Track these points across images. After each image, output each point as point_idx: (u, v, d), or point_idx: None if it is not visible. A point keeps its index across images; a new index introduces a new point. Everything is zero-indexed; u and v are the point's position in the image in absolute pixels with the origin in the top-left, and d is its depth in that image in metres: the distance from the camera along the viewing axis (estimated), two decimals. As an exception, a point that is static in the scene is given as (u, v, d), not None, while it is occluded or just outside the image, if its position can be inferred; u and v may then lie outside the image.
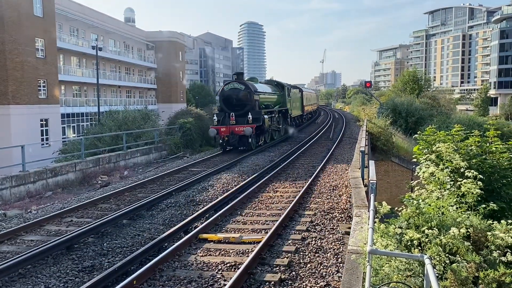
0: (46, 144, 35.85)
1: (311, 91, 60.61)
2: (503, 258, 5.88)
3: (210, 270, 7.79)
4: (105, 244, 9.49)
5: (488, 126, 10.86)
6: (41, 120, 37.13)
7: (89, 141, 23.05)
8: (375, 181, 8.67)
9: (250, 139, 22.66)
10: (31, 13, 35.67)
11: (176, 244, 8.79)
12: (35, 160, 18.99)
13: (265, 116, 24.13)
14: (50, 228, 10.79)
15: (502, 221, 6.73)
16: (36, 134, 35.75)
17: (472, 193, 7.66)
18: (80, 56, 50.88)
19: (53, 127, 38.71)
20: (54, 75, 39.16)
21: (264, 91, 26.70)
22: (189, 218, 10.83)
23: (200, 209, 12.04)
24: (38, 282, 7.56)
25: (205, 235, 9.64)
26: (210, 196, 13.74)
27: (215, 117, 23.40)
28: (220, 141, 22.88)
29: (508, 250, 6.08)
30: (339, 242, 9.02)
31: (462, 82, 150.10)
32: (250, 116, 22.52)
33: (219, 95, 24.93)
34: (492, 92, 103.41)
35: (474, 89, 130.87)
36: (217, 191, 14.48)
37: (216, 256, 8.52)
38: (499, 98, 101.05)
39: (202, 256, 8.52)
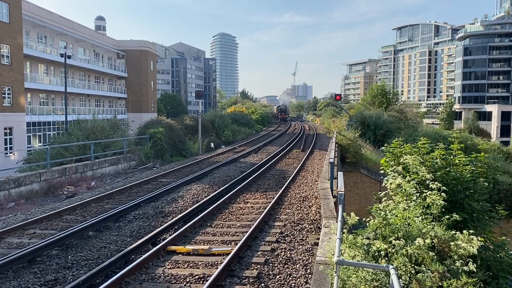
0: (10, 153, 34.65)
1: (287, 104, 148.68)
2: (465, 268, 6.03)
3: (178, 282, 7.67)
4: (69, 256, 9.21)
5: (453, 139, 11.21)
6: (5, 129, 35.87)
7: (56, 150, 22.37)
8: (343, 192, 8.80)
9: (286, 119, 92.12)
10: (-3, 19, 34.69)
11: (144, 256, 8.62)
12: (-3, 169, 18.28)
13: (288, 114, 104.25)
14: (11, 241, 10.39)
15: (464, 231, 6.91)
16: (-1, 143, 34.51)
17: (437, 204, 7.88)
18: (48, 64, 49.63)
19: (17, 136, 37.45)
20: (20, 83, 38.00)
21: (287, 107, 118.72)
22: (158, 229, 10.67)
23: (169, 220, 11.89)
24: (-3, 297, 7.27)
25: (173, 247, 9.51)
26: (179, 208, 13.58)
27: (278, 113, 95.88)
28: (279, 119, 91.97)
29: (470, 259, 6.24)
30: (308, 253, 9.06)
31: (428, 97, 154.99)
32: (286, 114, 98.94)
33: (277, 108, 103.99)
34: (456, 107, 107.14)
35: (440, 104, 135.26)
36: (187, 202, 14.33)
37: (184, 268, 8.40)
38: (463, 113, 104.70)
39: (170, 268, 8.39)
